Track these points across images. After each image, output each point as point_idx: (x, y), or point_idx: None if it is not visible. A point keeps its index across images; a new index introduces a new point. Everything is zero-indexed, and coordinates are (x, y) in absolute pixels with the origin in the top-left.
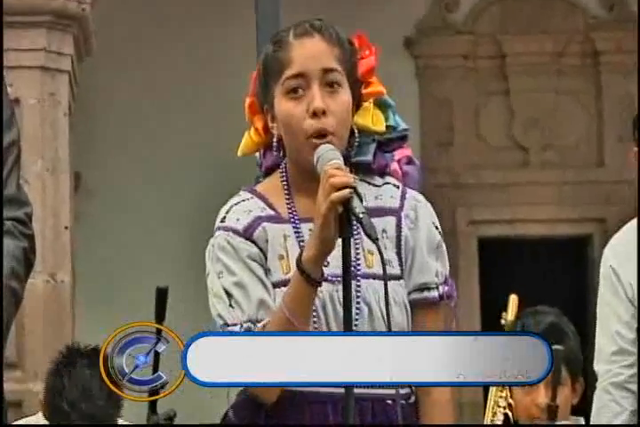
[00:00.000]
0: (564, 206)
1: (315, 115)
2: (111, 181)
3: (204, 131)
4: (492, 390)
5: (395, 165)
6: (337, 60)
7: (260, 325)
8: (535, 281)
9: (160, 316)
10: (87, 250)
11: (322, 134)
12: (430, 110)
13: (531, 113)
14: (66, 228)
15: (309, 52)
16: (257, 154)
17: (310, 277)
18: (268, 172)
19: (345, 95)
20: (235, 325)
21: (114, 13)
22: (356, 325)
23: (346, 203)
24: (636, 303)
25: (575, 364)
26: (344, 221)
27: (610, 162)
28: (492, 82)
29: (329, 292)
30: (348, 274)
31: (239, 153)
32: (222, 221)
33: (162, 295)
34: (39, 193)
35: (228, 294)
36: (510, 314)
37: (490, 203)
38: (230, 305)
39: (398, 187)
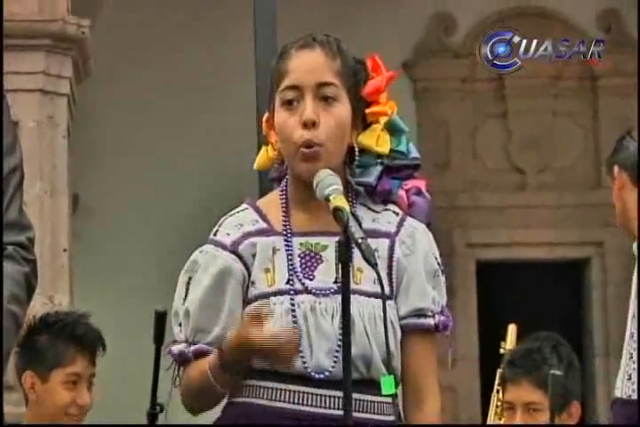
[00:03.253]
0: (561, 229)
1: (305, 125)
2: (109, 203)
3: (203, 151)
4: (491, 412)
5: (402, 193)
6: (335, 74)
7: (192, 348)
8: (533, 304)
9: (159, 338)
10: (85, 271)
11: (310, 145)
12: (428, 132)
13: (528, 135)
14: (64, 250)
15: (306, 65)
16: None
17: (230, 372)
18: (276, 182)
19: (340, 109)
20: (177, 344)
21: (112, 35)
22: (339, 339)
23: (345, 228)
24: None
25: (562, 390)
26: (343, 245)
27: (607, 184)
28: (489, 104)
29: (310, 303)
30: (347, 298)
31: (255, 166)
32: (215, 233)
33: (160, 318)
34: (38, 215)
35: (182, 314)
36: (509, 343)
37: (487, 225)
38: (180, 324)
39: (398, 214)
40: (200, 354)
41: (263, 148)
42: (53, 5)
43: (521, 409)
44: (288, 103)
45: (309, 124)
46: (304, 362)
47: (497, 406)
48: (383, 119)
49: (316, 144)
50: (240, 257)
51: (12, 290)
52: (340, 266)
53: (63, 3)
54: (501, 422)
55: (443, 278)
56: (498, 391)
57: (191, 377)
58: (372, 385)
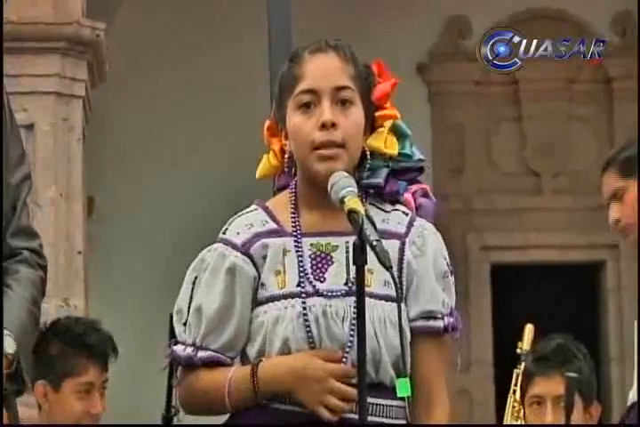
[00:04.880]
0: (576, 232)
1: (324, 126)
2: (124, 206)
3: (216, 157)
4: (508, 413)
5: (408, 196)
6: (350, 78)
7: (200, 355)
8: (547, 307)
9: None
10: (100, 275)
11: (330, 146)
12: (442, 136)
13: (542, 139)
14: (79, 253)
15: (323, 69)
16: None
17: (258, 393)
18: (282, 191)
19: (357, 113)
20: (182, 344)
21: (127, 39)
22: (350, 341)
23: (360, 231)
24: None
25: (587, 387)
26: (358, 248)
27: None
28: (504, 108)
29: (322, 307)
30: (362, 300)
31: (257, 176)
32: (224, 232)
33: None
34: (53, 218)
35: (188, 313)
36: (526, 343)
37: (502, 228)
38: (184, 324)
39: (407, 214)
40: (209, 362)
41: (264, 156)
42: (68, 8)
43: (551, 402)
44: (305, 106)
45: (328, 126)
46: None
47: (513, 407)
48: (388, 123)
49: (336, 145)
50: (251, 258)
51: (32, 293)
52: (352, 267)
53: (78, 6)
54: (518, 422)
55: (452, 279)
56: (514, 392)
57: (199, 388)
58: (381, 388)
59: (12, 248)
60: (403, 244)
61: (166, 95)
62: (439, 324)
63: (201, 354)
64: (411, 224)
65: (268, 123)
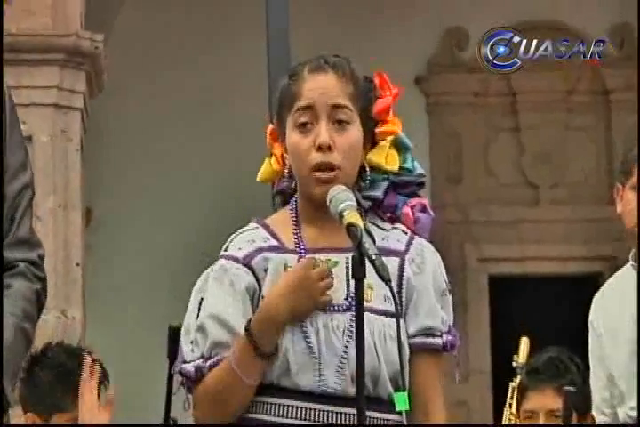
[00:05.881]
0: (573, 244)
1: (320, 148)
2: (122, 217)
3: (214, 164)
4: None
5: (407, 210)
6: (348, 96)
7: (209, 362)
8: (545, 319)
9: (173, 353)
10: (98, 285)
11: (326, 168)
12: (440, 147)
13: (540, 149)
14: (77, 264)
15: (320, 87)
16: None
17: (260, 349)
18: (280, 195)
19: (353, 132)
20: (191, 362)
21: (125, 49)
22: (345, 353)
23: (359, 244)
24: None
25: (580, 399)
26: (357, 262)
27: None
28: (501, 118)
29: (323, 320)
30: (361, 315)
31: (258, 178)
32: (225, 250)
33: (174, 333)
34: (51, 229)
35: (195, 331)
36: (522, 356)
37: (499, 240)
38: (191, 342)
39: (406, 233)
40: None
41: (266, 159)
42: (67, 20)
43: (544, 417)
44: (302, 125)
45: (324, 148)
46: (313, 378)
47: (509, 420)
48: (390, 137)
49: (332, 167)
50: (252, 270)
51: (25, 308)
52: (352, 283)
53: (77, 17)
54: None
55: (450, 298)
56: (510, 406)
57: (212, 382)
58: (378, 402)
59: (8, 261)
60: (402, 261)
61: (166, 95)
62: (438, 341)
63: (210, 361)
64: (410, 242)
65: (270, 127)
